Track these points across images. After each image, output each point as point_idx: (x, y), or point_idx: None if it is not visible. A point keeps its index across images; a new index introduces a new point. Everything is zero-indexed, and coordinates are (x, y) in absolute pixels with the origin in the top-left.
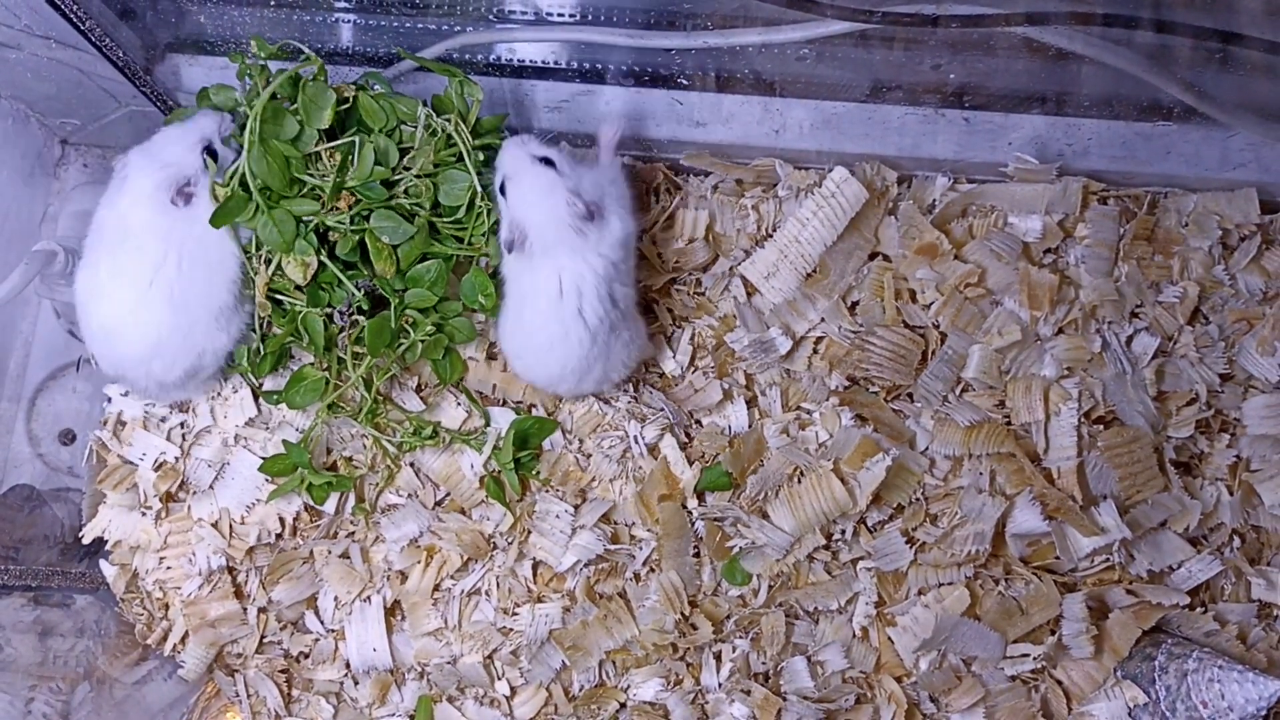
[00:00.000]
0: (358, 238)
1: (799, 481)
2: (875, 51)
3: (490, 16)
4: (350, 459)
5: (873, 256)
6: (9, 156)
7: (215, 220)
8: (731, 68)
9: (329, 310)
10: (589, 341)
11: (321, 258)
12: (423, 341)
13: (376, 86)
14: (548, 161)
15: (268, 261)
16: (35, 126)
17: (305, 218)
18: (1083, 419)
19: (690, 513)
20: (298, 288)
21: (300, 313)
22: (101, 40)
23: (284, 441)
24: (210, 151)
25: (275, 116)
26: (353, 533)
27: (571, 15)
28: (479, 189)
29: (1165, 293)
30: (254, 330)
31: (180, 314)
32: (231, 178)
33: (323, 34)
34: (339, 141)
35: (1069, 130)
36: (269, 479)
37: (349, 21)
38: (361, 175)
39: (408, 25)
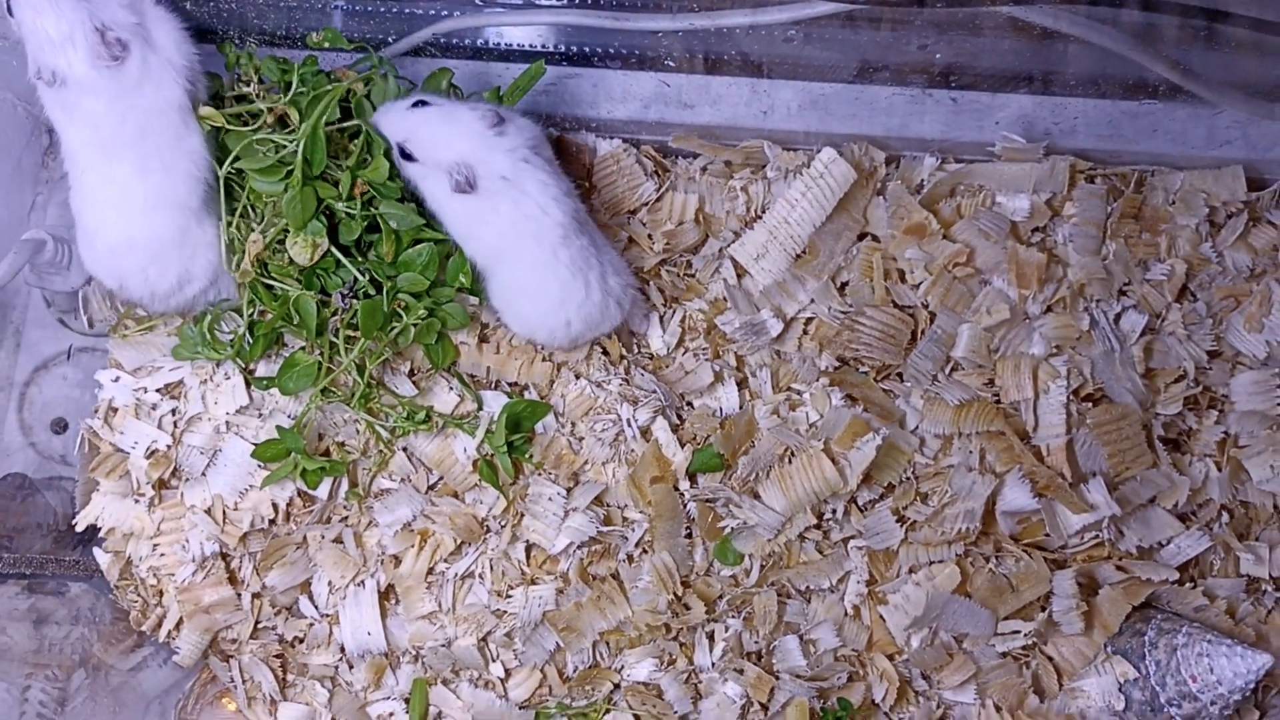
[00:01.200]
0: (365, 224)
1: (790, 462)
2: (862, 32)
3: (477, 1)
4: (343, 444)
5: (861, 237)
6: (7, 150)
7: (230, 139)
8: (719, 49)
9: (324, 295)
10: (584, 253)
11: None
12: (415, 325)
13: (386, 73)
14: (422, 103)
15: (264, 234)
16: (22, 115)
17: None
18: (1071, 396)
19: (682, 494)
20: (307, 273)
21: (293, 295)
22: None
23: (278, 427)
24: (106, 36)
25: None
26: (346, 517)
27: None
28: None
29: (1153, 270)
30: (240, 312)
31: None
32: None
33: (309, 20)
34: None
35: (1056, 109)
36: (262, 465)
37: (336, 7)
38: (379, 167)
39: (394, 10)
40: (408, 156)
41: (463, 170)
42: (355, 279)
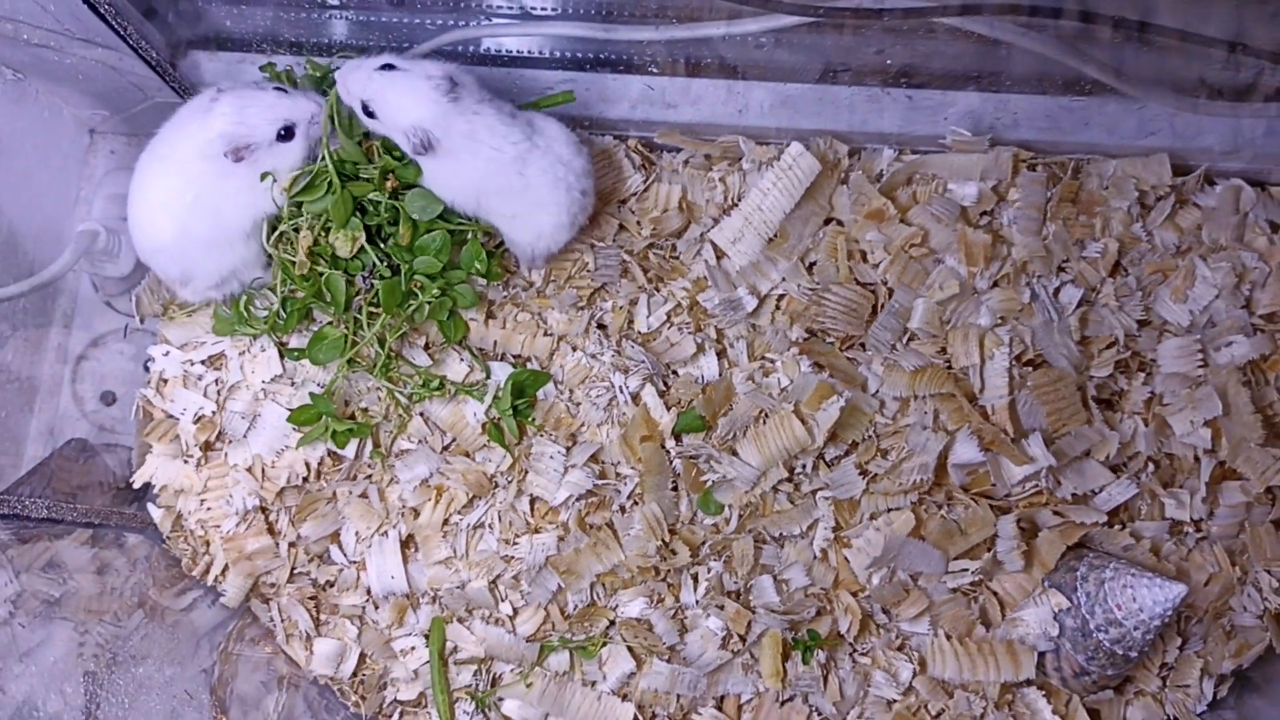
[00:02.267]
0: (389, 214)
1: (764, 422)
2: (827, 38)
3: (480, 12)
4: (366, 410)
5: (827, 222)
6: (45, 146)
7: (297, 194)
8: (698, 55)
9: (348, 276)
10: (542, 157)
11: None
12: (429, 303)
13: None
14: (389, 67)
15: (310, 228)
16: (67, 118)
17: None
18: (1014, 362)
19: (669, 452)
20: (334, 257)
21: (324, 276)
22: (134, 39)
23: (310, 394)
24: (287, 133)
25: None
26: (370, 475)
27: (553, 10)
28: None
29: (1089, 249)
30: (274, 290)
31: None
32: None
33: (324, 30)
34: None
35: (1000, 105)
36: (296, 428)
37: (345, 18)
38: (410, 167)
39: (404, 20)
40: (370, 114)
41: (418, 134)
42: (374, 263)
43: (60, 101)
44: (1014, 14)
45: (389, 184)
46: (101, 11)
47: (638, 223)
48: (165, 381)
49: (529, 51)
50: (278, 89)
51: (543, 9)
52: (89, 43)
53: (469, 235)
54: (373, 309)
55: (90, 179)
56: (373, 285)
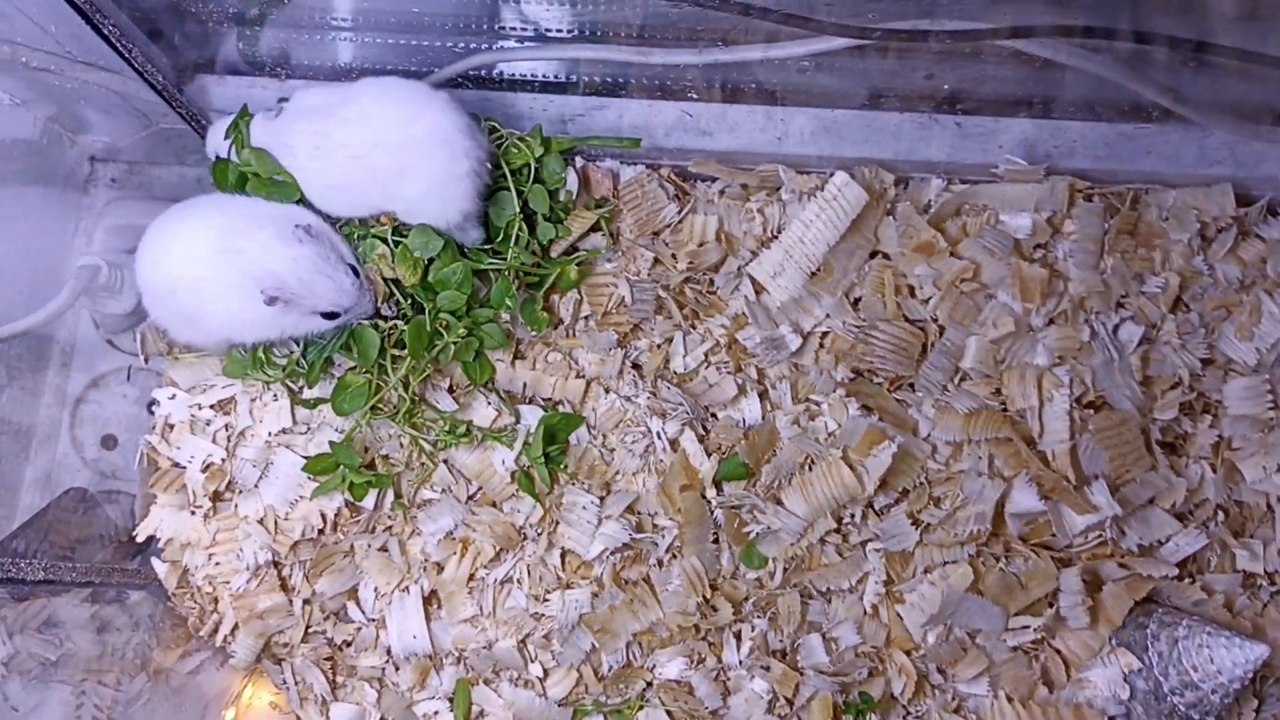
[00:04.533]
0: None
1: (810, 469)
2: (871, 62)
3: (499, 34)
4: (387, 457)
5: (873, 255)
6: (44, 175)
7: None
8: (735, 79)
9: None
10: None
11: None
12: (455, 344)
13: None
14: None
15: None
16: (67, 145)
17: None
18: (1074, 404)
19: (709, 501)
20: None
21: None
22: (139, 62)
23: (330, 442)
24: (328, 315)
25: None
26: (390, 526)
27: (583, 33)
28: (517, 211)
29: (1148, 283)
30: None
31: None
32: None
33: (337, 53)
34: None
35: (1055, 132)
36: (311, 477)
37: (362, 41)
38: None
39: (425, 44)
40: None
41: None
42: (398, 300)
43: (59, 128)
44: (1068, 35)
45: (384, 220)
46: (105, 33)
47: (673, 256)
48: (171, 427)
49: (555, 76)
50: (354, 272)
51: (568, 31)
52: (91, 66)
53: (498, 272)
54: (396, 351)
55: (90, 209)
56: (395, 325)
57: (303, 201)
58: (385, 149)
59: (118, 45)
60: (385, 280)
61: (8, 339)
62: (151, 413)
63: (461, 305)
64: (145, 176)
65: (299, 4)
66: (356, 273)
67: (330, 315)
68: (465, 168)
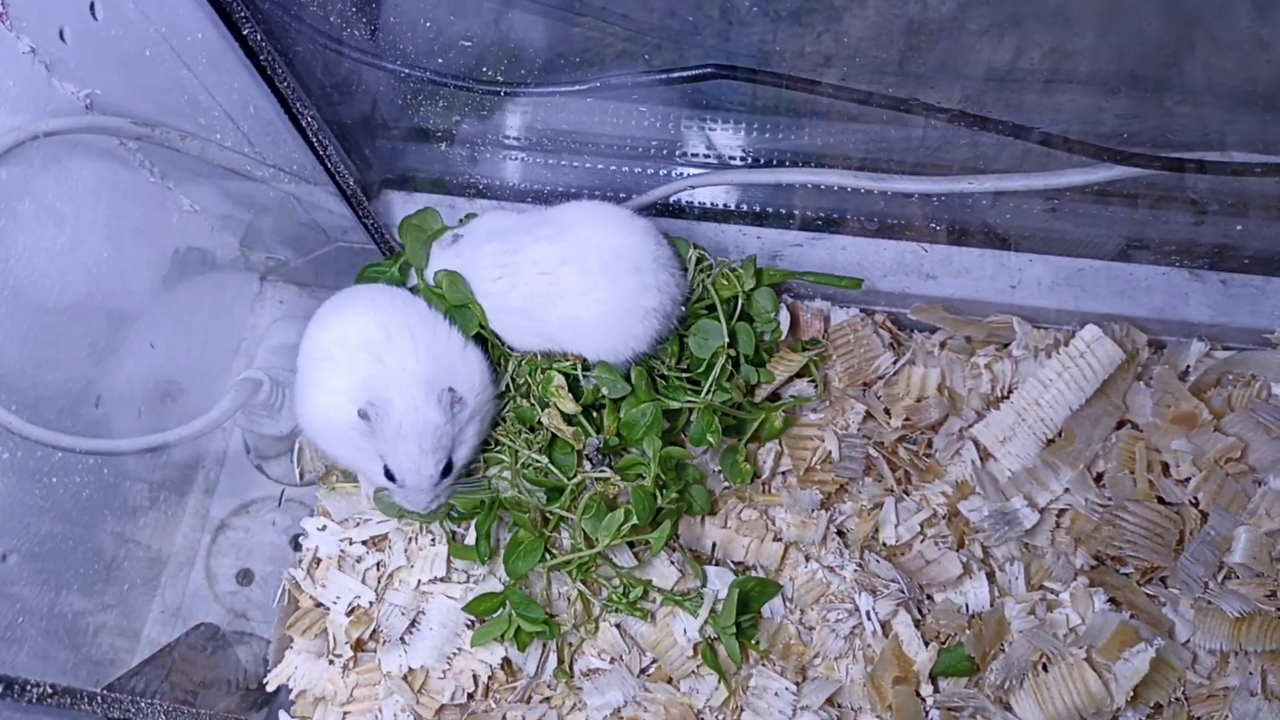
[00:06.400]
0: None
1: (1046, 670)
2: (1118, 209)
3: (688, 163)
4: (554, 617)
5: (1120, 425)
6: (213, 288)
7: None
8: (964, 219)
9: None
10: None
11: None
12: (667, 509)
13: None
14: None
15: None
16: (241, 263)
17: None
18: None
19: (924, 700)
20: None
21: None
22: (335, 167)
23: (501, 592)
24: (389, 474)
25: None
26: (549, 698)
27: (796, 161)
28: (724, 340)
29: None
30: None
31: None
32: None
33: (530, 175)
34: None
35: None
36: (466, 626)
37: (560, 165)
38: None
39: (624, 169)
40: None
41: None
42: (601, 441)
43: (231, 236)
44: None
45: (570, 357)
46: (309, 134)
47: (886, 410)
48: (319, 562)
49: (763, 208)
50: (445, 471)
51: (776, 161)
52: (280, 170)
53: (694, 409)
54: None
55: (254, 329)
56: (599, 464)
57: (482, 333)
58: (574, 265)
59: (316, 146)
60: (565, 416)
61: (166, 446)
62: (297, 547)
63: (660, 449)
64: (314, 300)
65: (492, 123)
66: (446, 472)
67: (389, 476)
68: (653, 303)
